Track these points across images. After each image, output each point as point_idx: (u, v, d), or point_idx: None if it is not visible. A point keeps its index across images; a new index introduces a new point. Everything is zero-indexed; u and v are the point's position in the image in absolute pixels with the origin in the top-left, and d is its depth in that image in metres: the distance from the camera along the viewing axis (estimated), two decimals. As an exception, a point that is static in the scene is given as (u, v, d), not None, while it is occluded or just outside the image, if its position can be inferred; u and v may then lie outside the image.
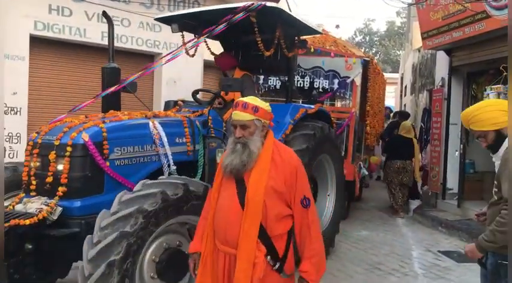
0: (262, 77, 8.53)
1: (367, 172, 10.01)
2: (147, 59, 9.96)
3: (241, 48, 6.13)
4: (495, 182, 3.03)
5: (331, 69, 8.29)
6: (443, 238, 7.85)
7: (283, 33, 5.39)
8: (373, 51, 44.37)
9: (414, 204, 10.49)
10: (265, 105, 2.76)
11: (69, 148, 3.65)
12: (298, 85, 8.46)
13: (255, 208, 2.59)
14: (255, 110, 2.68)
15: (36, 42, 8.35)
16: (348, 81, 8.27)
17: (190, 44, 5.13)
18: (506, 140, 3.06)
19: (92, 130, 3.80)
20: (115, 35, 9.51)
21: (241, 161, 2.63)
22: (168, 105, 5.64)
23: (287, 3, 10.57)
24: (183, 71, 9.52)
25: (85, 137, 3.68)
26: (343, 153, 8.10)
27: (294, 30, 5.77)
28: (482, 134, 3.15)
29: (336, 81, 8.32)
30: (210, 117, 4.84)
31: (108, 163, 3.79)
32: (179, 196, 3.50)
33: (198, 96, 5.90)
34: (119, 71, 4.84)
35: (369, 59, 8.65)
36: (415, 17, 12.95)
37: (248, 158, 2.63)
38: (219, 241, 2.74)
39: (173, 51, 5.18)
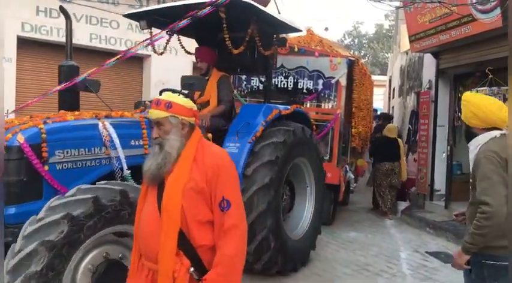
0: (244, 77, 8.21)
1: (353, 176, 9.50)
2: (136, 60, 9.91)
3: (217, 46, 5.76)
4: (470, 180, 2.98)
5: (315, 70, 7.95)
6: (431, 239, 7.66)
7: (259, 30, 5.08)
8: (362, 54, 44.53)
9: (403, 205, 10.22)
10: (182, 101, 2.40)
11: None
12: (282, 85, 8.12)
13: (171, 214, 2.24)
14: (168, 106, 2.35)
15: (24, 43, 8.18)
16: (333, 81, 7.87)
17: (152, 42, 4.83)
18: (477, 140, 3.02)
19: (29, 131, 3.42)
20: (104, 37, 9.61)
21: (156, 164, 2.33)
22: (138, 105, 5.32)
23: (275, 3, 10.55)
24: (172, 73, 9.43)
25: (20, 138, 3.30)
26: (328, 156, 7.77)
27: (271, 27, 5.47)
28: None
29: (321, 81, 7.94)
30: None
31: (47, 168, 3.40)
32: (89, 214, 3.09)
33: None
34: (77, 69, 4.49)
35: (354, 59, 8.25)
36: (403, 20, 12.88)
37: (163, 160, 2.32)
38: (143, 256, 2.41)
39: (132, 47, 4.86)
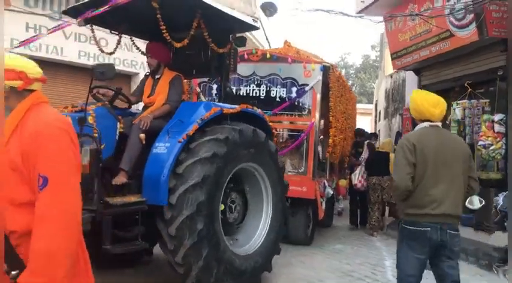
0: (215, 85, 7.65)
1: (332, 192, 8.59)
2: (124, 78, 10.12)
3: (171, 46, 5.33)
4: None
5: (288, 77, 7.59)
6: None
7: (210, 27, 4.86)
8: (350, 83, 45.44)
9: (388, 220, 10.27)
10: (7, 58, 1.91)
11: None
12: (254, 94, 7.75)
13: None
14: None
15: (13, 59, 8.49)
16: (307, 89, 7.46)
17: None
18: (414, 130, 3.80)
19: None
20: (92, 55, 9.82)
21: None
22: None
23: (264, 31, 10.60)
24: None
25: None
26: (303, 168, 7.43)
27: (225, 24, 5.15)
28: None
29: (294, 89, 7.55)
30: (93, 114, 4.23)
31: None
32: None
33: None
34: None
35: (328, 65, 7.76)
36: (387, 43, 13.45)
37: None
38: None
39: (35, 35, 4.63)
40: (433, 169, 3.47)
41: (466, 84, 7.88)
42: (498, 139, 7.24)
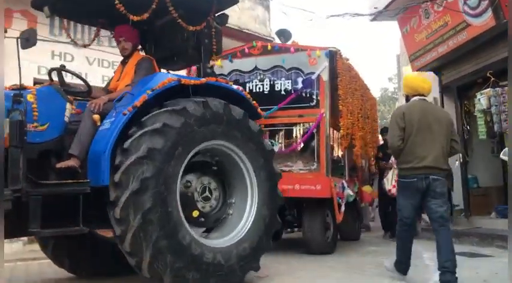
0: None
1: (352, 194, 7.32)
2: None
3: (150, 34, 4.93)
4: None
5: (293, 67, 6.71)
6: (455, 244, 7.49)
7: (182, 3, 4.33)
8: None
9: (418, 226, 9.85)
10: None
11: None
12: (258, 90, 6.84)
13: None
14: None
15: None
16: (313, 77, 6.51)
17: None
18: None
19: None
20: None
21: None
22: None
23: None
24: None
25: None
26: (315, 165, 6.49)
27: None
28: None
29: (300, 79, 6.62)
30: (34, 92, 3.80)
31: None
32: None
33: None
34: None
35: (335, 50, 6.70)
36: (406, 64, 13.23)
37: None
38: None
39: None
40: (417, 131, 4.16)
41: (488, 74, 7.34)
42: (528, 122, 6.94)
